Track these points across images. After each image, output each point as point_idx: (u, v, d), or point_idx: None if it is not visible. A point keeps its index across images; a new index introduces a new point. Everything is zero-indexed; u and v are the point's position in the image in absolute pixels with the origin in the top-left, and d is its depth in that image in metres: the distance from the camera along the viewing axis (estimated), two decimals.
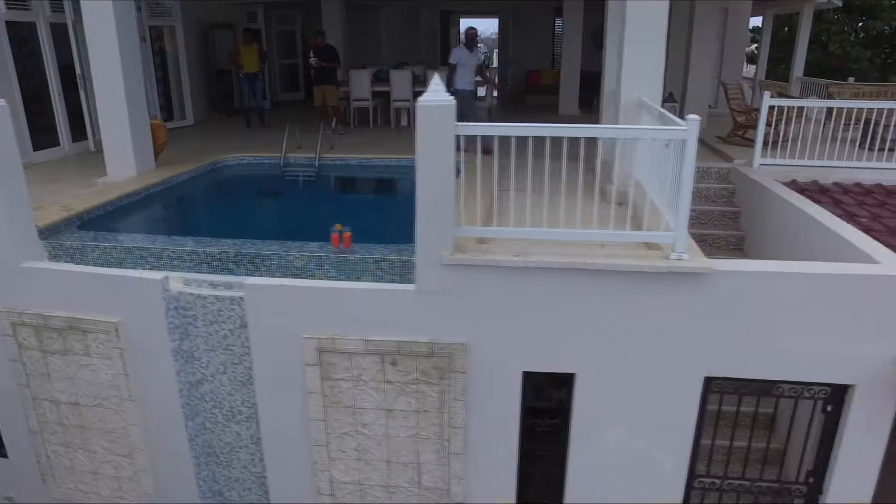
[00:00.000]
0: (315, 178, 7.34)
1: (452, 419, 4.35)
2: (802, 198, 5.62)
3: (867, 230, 5.56)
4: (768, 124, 7.31)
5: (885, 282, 3.80)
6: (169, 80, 10.30)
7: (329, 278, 4.43)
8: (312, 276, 4.46)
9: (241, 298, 4.34)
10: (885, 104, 6.47)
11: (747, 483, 4.56)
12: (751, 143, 6.87)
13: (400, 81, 9.50)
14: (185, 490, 5.02)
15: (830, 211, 5.92)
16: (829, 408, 4.20)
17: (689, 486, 4.49)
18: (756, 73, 12.75)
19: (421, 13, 14.69)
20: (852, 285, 3.82)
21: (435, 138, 3.72)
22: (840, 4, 10.57)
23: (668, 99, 9.62)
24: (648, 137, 3.68)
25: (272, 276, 4.54)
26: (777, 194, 5.77)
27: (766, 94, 6.63)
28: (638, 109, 5.33)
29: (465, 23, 18.77)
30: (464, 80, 7.56)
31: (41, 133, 7.78)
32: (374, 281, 4.39)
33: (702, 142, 8.53)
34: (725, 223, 6.73)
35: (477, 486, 4.54)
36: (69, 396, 4.92)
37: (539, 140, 3.75)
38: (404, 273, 4.21)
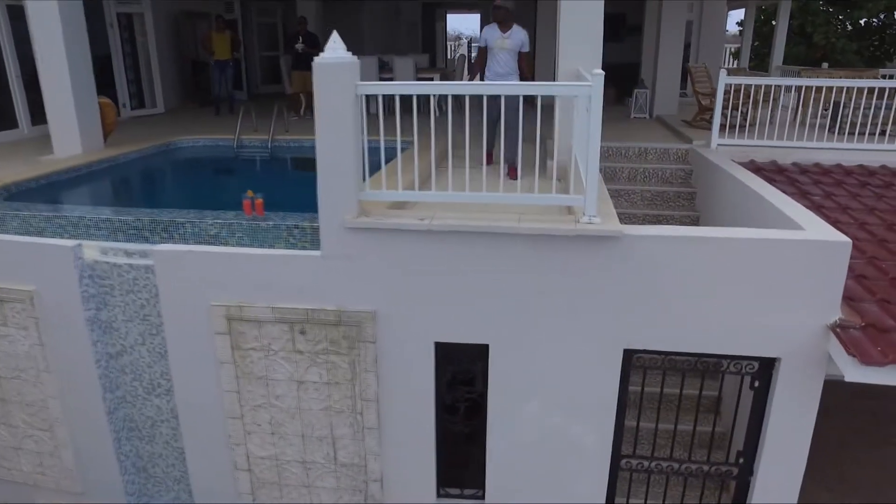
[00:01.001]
0: (268, 159, 7.24)
1: (364, 391, 4.22)
2: (748, 173, 5.45)
3: (818, 207, 5.39)
4: (734, 108, 7.15)
5: (805, 247, 3.62)
6: (139, 68, 10.26)
7: (242, 246, 4.31)
8: (225, 244, 4.35)
9: (153, 267, 4.24)
10: (846, 82, 6.27)
11: (676, 465, 4.38)
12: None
13: (366, 68, 9.39)
14: (107, 465, 4.90)
15: (783, 189, 5.74)
16: (756, 383, 4.03)
17: (614, 467, 4.32)
18: (738, 65, 12.56)
19: (402, 6, 14.61)
20: (772, 251, 3.65)
21: (333, 97, 3.62)
22: None
23: (639, 85, 9.51)
24: (553, 94, 3.53)
25: (185, 244, 4.43)
26: (725, 170, 5.60)
27: (723, 71, 6.46)
28: (576, 80, 5.18)
29: (452, 22, 18.78)
30: (493, 70, 5.55)
31: None
32: (287, 248, 4.27)
33: (666, 125, 8.41)
34: (681, 204, 6.56)
35: (394, 464, 4.39)
36: None
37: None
38: (317, 241, 4.08)
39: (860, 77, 8.65)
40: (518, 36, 5.49)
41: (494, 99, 3.99)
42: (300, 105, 9.70)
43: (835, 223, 5.02)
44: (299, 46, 9.26)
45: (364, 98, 3.72)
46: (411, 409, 4.23)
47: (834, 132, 7.31)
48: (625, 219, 6.42)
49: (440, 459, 4.38)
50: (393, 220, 3.78)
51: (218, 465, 4.65)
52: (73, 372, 4.64)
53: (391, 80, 9.54)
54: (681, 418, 4.48)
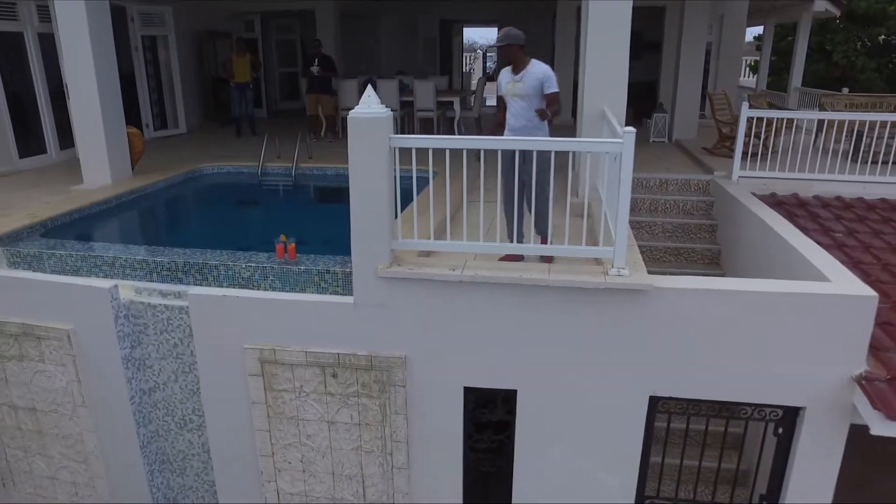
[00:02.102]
0: (291, 188, 7.36)
1: (394, 433, 4.30)
2: (771, 212, 5.48)
3: (840, 246, 5.41)
4: (756, 136, 7.18)
5: (831, 301, 3.66)
6: (162, 89, 10.43)
7: (274, 289, 4.42)
8: (258, 287, 4.45)
9: (187, 308, 4.36)
10: (867, 116, 6.29)
11: None
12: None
13: (386, 91, 9.51)
14: (140, 497, 5.02)
15: (806, 225, 5.77)
16: (780, 430, 4.06)
17: None
18: (757, 83, 12.54)
19: (419, 21, 14.72)
20: (798, 304, 3.69)
21: (367, 151, 3.70)
22: (838, 14, 10.35)
23: (658, 108, 9.54)
24: (584, 151, 3.60)
25: (219, 286, 4.54)
26: (747, 207, 5.63)
27: (745, 104, 6.49)
28: (601, 120, 5.25)
29: (466, 32, 18.75)
30: (509, 125, 4.28)
31: (28, 140, 7.93)
32: (318, 292, 4.37)
33: (685, 152, 8.43)
34: (702, 236, 6.60)
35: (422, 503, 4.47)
36: (26, 402, 4.96)
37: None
38: (348, 285, 4.18)
39: (882, 102, 8.65)
40: (534, 75, 4.11)
41: (514, 161, 3.87)
42: (320, 126, 9.83)
43: (857, 264, 5.06)
44: (314, 69, 9.39)
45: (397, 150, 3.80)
46: (440, 451, 4.31)
47: (857, 161, 7.30)
48: (646, 251, 6.48)
49: (467, 500, 4.45)
50: (425, 270, 3.86)
51: (248, 499, 4.74)
52: (109, 407, 4.76)
53: (411, 102, 9.65)
54: (705, 454, 4.52)
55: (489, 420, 4.30)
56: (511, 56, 4.26)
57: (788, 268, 4.58)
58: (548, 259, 4.03)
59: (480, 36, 30.75)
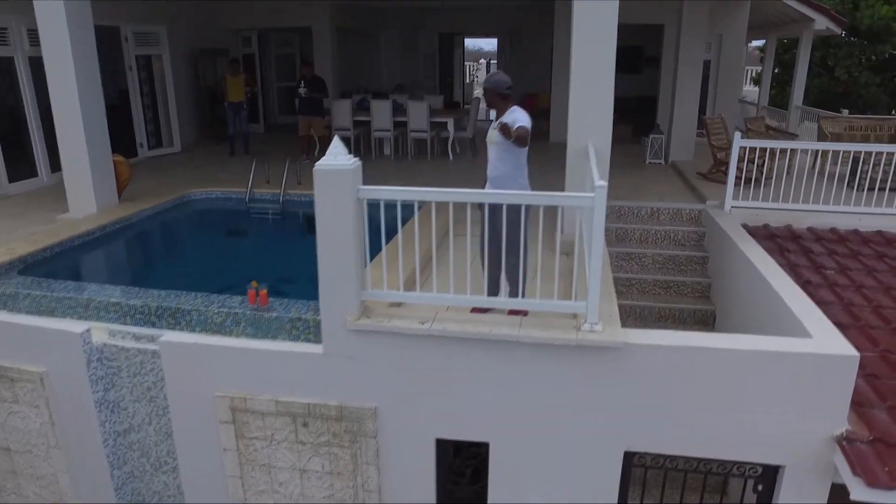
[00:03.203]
0: (279, 215, 7.32)
1: (366, 483, 4.23)
2: (758, 251, 5.35)
3: (831, 285, 5.28)
4: (750, 161, 7.05)
5: (811, 360, 3.55)
6: (157, 108, 10.43)
7: (247, 336, 4.36)
8: (230, 333, 4.39)
9: (160, 352, 4.31)
10: (860, 147, 6.15)
11: None
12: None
13: (380, 111, 9.45)
14: None
15: (797, 261, 5.64)
16: (760, 487, 3.95)
17: None
18: (759, 98, 12.37)
19: (419, 37, 14.66)
20: (776, 362, 3.58)
21: (333, 202, 3.63)
22: (840, 31, 10.18)
23: (655, 129, 9.42)
24: (553, 205, 3.50)
25: (192, 331, 4.48)
26: (736, 245, 5.51)
27: (737, 134, 6.36)
28: (585, 158, 5.14)
29: (472, 39, 18.59)
30: (487, 172, 4.18)
31: (18, 165, 7.93)
32: (291, 340, 4.30)
33: (681, 175, 8.31)
34: (693, 269, 6.47)
35: None
36: (0, 442, 4.93)
37: None
38: (320, 332, 4.10)
39: (881, 125, 8.48)
40: (508, 122, 3.92)
41: (490, 216, 3.77)
42: (314, 147, 9.78)
43: (848, 307, 4.93)
44: (302, 91, 9.33)
45: (366, 202, 3.72)
46: (413, 502, 4.22)
47: (853, 187, 7.14)
48: (636, 284, 6.38)
49: None
50: (394, 322, 3.79)
51: None
52: (83, 449, 4.72)
53: (405, 123, 9.58)
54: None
55: (463, 471, 4.22)
56: (491, 102, 4.17)
57: (773, 315, 4.46)
58: (521, 312, 3.93)
59: (487, 42, 30.54)
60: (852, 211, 6.39)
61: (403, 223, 3.76)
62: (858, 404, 3.79)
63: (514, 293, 3.88)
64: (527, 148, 4.00)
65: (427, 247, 4.55)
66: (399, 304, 4.13)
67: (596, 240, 3.47)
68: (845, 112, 9.18)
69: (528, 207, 3.77)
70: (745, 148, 6.65)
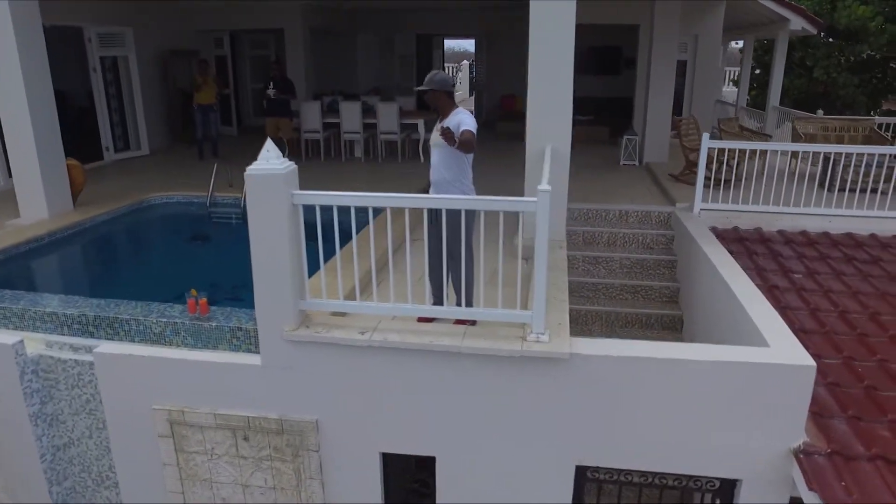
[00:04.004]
0: (240, 220, 7.11)
1: (310, 497, 4.05)
2: (723, 254, 5.22)
3: (799, 290, 5.16)
4: (721, 162, 6.93)
5: (767, 370, 3.40)
6: (124, 110, 10.21)
7: (186, 346, 4.17)
8: (170, 343, 4.20)
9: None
10: (829, 147, 6.05)
11: None
12: (705, 182, 6.46)
13: (350, 113, 9.27)
14: None
15: (765, 265, 5.52)
16: (717, 501, 3.80)
17: None
18: (737, 99, 12.29)
19: (395, 37, 14.50)
20: (731, 372, 3.43)
21: (266, 209, 3.45)
22: (816, 32, 10.11)
23: (628, 131, 9.30)
24: (496, 210, 3.34)
25: (130, 341, 4.29)
26: (701, 249, 5.37)
27: (706, 135, 6.23)
28: (542, 161, 4.98)
29: (456, 41, 18.38)
30: (431, 175, 3.96)
31: None
32: (231, 350, 4.11)
33: (653, 177, 8.18)
34: (661, 273, 6.33)
35: None
36: None
37: None
38: None
39: (855, 125, 8.40)
40: (452, 124, 3.75)
41: (430, 221, 3.62)
42: (282, 150, 9.57)
43: (814, 312, 4.81)
44: (271, 92, 9.15)
45: (301, 207, 3.55)
46: None
47: (825, 187, 7.04)
48: (602, 289, 6.23)
49: None
50: (333, 333, 3.61)
51: None
52: (19, 464, 4.51)
53: (374, 125, 9.41)
54: None
55: (412, 486, 4.04)
56: (435, 102, 3.94)
57: (734, 321, 4.33)
58: (469, 321, 3.76)
59: (470, 44, 30.38)
60: (823, 213, 6.27)
61: (359, 229, 3.59)
62: (818, 414, 3.65)
63: (459, 302, 3.72)
64: (471, 153, 3.84)
65: (379, 254, 4.38)
66: (344, 314, 3.96)
67: (540, 247, 3.32)
68: (820, 112, 9.10)
69: (471, 213, 3.60)
70: (715, 149, 6.53)
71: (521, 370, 3.49)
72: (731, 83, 16.92)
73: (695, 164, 7.64)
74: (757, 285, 5.00)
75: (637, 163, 9.15)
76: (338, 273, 3.64)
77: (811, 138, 8.37)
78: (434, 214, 3.60)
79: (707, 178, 6.61)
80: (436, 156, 3.87)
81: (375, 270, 4.08)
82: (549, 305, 3.90)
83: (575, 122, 12.70)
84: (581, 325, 6.02)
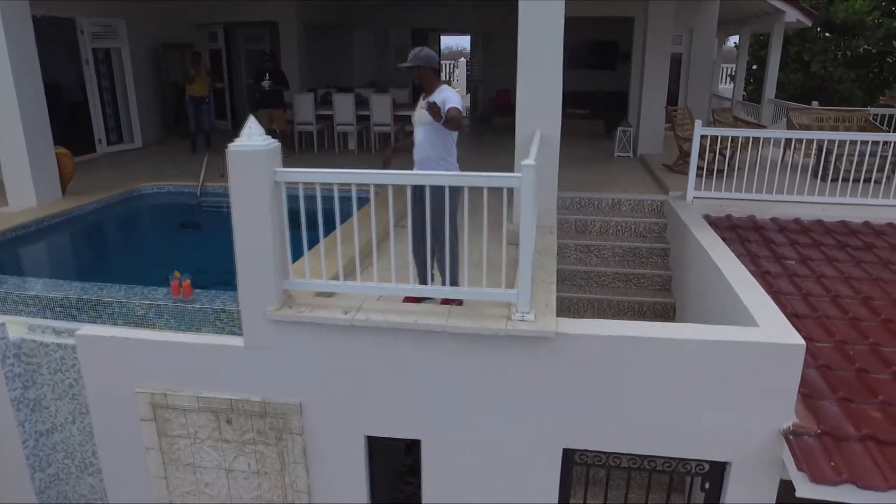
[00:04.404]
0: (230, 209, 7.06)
1: (294, 482, 3.99)
2: (714, 238, 5.17)
3: (791, 275, 5.12)
4: (719, 153, 6.89)
5: (755, 349, 3.36)
6: (117, 103, 10.15)
7: (170, 328, 4.11)
8: (153, 326, 4.15)
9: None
10: (820, 134, 6.01)
11: None
12: (698, 171, 6.42)
13: (342, 105, 9.22)
14: None
15: (758, 252, 5.47)
16: (707, 485, 3.75)
17: None
18: (733, 93, 12.26)
19: (390, 33, 14.45)
20: (719, 352, 3.38)
21: (248, 186, 3.41)
22: (811, 24, 10.07)
23: (623, 123, 9.26)
24: (480, 185, 3.29)
25: (114, 324, 4.24)
26: (693, 234, 5.32)
27: (698, 123, 6.19)
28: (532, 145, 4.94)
29: (454, 39, 18.32)
30: (415, 153, 3.84)
31: None
32: (214, 332, 4.06)
33: (647, 168, 8.14)
34: (654, 261, 6.28)
35: None
36: None
37: None
38: None
39: (850, 117, 8.36)
40: (438, 100, 3.62)
41: (413, 200, 3.51)
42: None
43: (806, 296, 4.76)
44: (266, 84, 9.10)
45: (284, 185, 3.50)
46: (344, 502, 3.99)
47: (819, 177, 6.99)
48: (595, 277, 6.19)
49: None
50: (315, 312, 3.56)
51: None
52: (0, 451, 4.45)
53: (368, 117, 9.36)
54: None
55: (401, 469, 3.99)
56: (420, 79, 3.86)
57: (725, 305, 4.28)
58: (455, 301, 3.71)
59: (468, 41, 30.30)
60: (817, 201, 6.23)
61: (345, 218, 3.54)
62: (809, 396, 3.61)
63: (444, 282, 3.67)
64: (457, 132, 3.79)
65: (365, 241, 4.33)
66: (330, 296, 3.91)
67: (526, 224, 3.27)
68: (815, 104, 9.06)
69: (455, 190, 3.55)
70: (709, 137, 6.49)
71: (507, 350, 3.44)
72: (728, 79, 16.89)
73: (688, 154, 7.59)
74: (749, 271, 4.96)
75: (631, 154, 9.11)
76: (321, 256, 3.59)
77: (806, 129, 8.33)
78: (418, 192, 3.55)
79: (700, 168, 6.57)
80: (420, 133, 3.80)
81: (360, 255, 4.05)
82: (535, 287, 3.86)
83: (570, 116, 12.69)
84: (573, 313, 5.97)
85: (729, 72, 16.37)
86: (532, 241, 3.29)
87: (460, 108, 3.66)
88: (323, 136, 9.92)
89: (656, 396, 3.49)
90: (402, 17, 13.96)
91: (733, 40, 14.02)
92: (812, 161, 7.02)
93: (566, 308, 5.98)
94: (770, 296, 4.71)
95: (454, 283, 3.59)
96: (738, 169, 7.27)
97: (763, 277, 5.01)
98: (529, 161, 3.18)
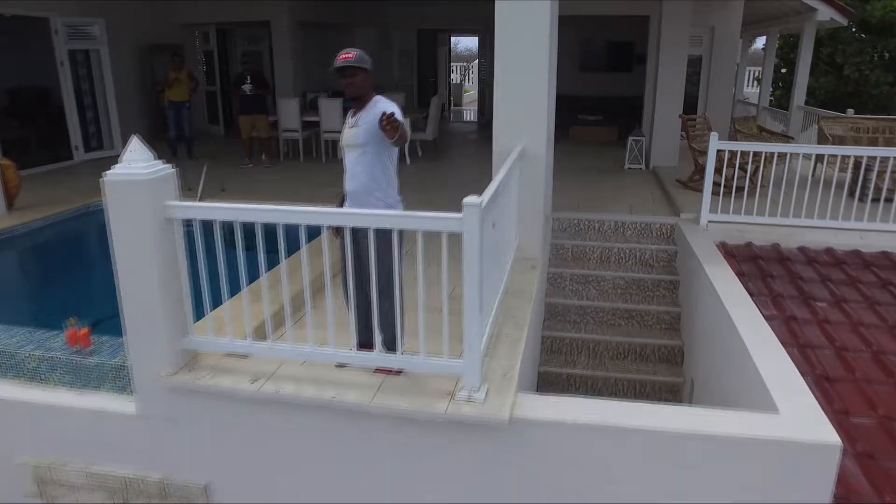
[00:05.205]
0: (190, 227, 6.42)
1: None
2: (728, 276, 4.36)
3: (822, 322, 4.27)
4: (733, 166, 6.05)
5: (773, 449, 2.55)
6: (97, 107, 9.62)
7: (63, 384, 3.44)
8: (46, 382, 3.48)
9: None
10: (858, 150, 5.15)
11: None
12: (715, 189, 5.59)
13: (329, 111, 8.55)
14: None
15: (782, 291, 4.64)
16: None
17: None
18: (759, 98, 11.31)
19: (393, 34, 13.76)
20: (723, 451, 2.59)
21: (130, 223, 2.72)
22: (847, 23, 9.12)
23: (634, 131, 8.42)
24: (412, 228, 2.55)
25: (2, 377, 3.58)
26: (704, 270, 4.51)
27: (714, 135, 5.37)
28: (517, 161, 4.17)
29: (463, 40, 17.49)
30: (347, 185, 3.08)
31: None
32: (115, 391, 3.38)
33: (659, 183, 7.30)
34: (661, 295, 5.46)
35: None
36: None
37: None
38: None
39: (891, 126, 7.42)
40: (374, 113, 2.87)
41: (352, 243, 2.71)
42: (256, 150, 8.90)
43: (841, 352, 3.92)
44: (247, 87, 8.46)
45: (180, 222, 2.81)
46: None
47: (856, 196, 6.07)
48: (592, 313, 5.39)
49: None
50: (217, 380, 2.86)
51: None
52: None
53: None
54: None
55: None
56: (360, 88, 2.97)
57: (738, 367, 3.47)
58: (391, 369, 2.96)
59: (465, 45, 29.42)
60: (853, 227, 5.36)
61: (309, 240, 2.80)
62: (845, 499, 2.80)
63: (388, 343, 2.94)
64: (397, 150, 3.06)
65: (296, 291, 3.62)
66: (246, 356, 3.19)
67: (470, 280, 2.51)
68: (850, 112, 8.11)
69: (402, 232, 2.81)
70: (727, 151, 5.65)
71: (448, 438, 2.69)
72: (754, 82, 15.85)
73: (704, 169, 6.75)
74: (771, 317, 4.16)
75: (643, 166, 8.26)
76: (244, 306, 2.89)
77: (840, 141, 7.42)
78: (355, 234, 2.81)
79: (717, 184, 5.74)
80: (352, 159, 3.02)
81: (291, 307, 3.32)
82: (496, 348, 3.12)
83: (581, 122, 11.81)
84: (565, 355, 5.19)
85: (756, 75, 15.34)
86: (479, 300, 2.54)
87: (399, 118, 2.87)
88: (311, 143, 9.25)
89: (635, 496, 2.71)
90: (405, 17, 13.26)
91: (760, 42, 13.05)
92: (848, 177, 6.13)
93: (557, 349, 5.21)
94: (797, 350, 3.91)
95: (390, 346, 2.86)
96: (762, 186, 6.42)
97: (788, 326, 4.19)
98: (473, 199, 2.43)
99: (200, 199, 6.58)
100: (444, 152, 10.21)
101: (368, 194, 3.00)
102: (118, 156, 2.84)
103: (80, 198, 6.80)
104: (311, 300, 2.94)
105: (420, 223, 2.51)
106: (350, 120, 3.07)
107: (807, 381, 3.07)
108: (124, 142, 9.65)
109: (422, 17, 13.29)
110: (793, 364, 3.18)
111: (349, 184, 3.06)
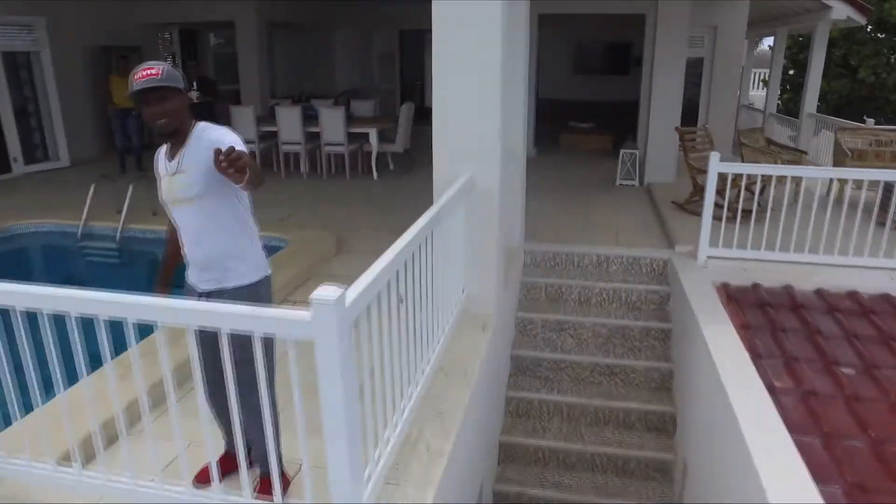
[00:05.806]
0: (115, 257, 5.62)
1: None
2: (726, 332, 3.50)
3: (849, 399, 3.38)
4: (739, 188, 5.18)
5: None
6: (41, 115, 8.81)
7: None
8: None
9: None
10: (881, 174, 4.27)
11: None
12: (717, 211, 4.72)
13: (288, 121, 7.70)
14: None
15: (794, 350, 3.77)
16: None
17: None
18: (766, 103, 10.42)
19: (373, 35, 12.91)
20: None
21: None
22: (864, 23, 8.24)
23: (626, 144, 7.58)
24: (245, 332, 1.70)
25: None
26: (698, 324, 3.64)
27: (714, 156, 4.51)
28: (461, 194, 3.31)
29: None
30: (189, 254, 2.22)
31: None
32: None
33: (653, 204, 6.41)
34: (650, 347, 4.59)
35: None
36: None
37: None
38: None
39: None
40: (203, 148, 2.08)
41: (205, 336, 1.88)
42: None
43: (877, 445, 3.04)
44: (194, 95, 7.63)
45: None
46: None
47: (886, 225, 5.15)
48: (567, 368, 4.51)
49: None
50: None
51: None
52: None
53: (318, 134, 7.81)
54: None
55: None
56: (168, 116, 2.08)
57: (737, 466, 2.61)
58: (264, 486, 2.12)
59: None
60: (882, 265, 4.48)
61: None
62: None
63: (259, 460, 2.09)
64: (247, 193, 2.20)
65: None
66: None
67: (332, 407, 1.66)
68: (870, 122, 7.22)
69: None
70: (728, 174, 4.78)
71: None
72: (761, 84, 14.92)
73: (704, 190, 5.87)
74: (785, 390, 3.31)
75: (637, 182, 7.39)
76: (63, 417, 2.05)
77: (860, 154, 6.54)
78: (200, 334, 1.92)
79: (718, 206, 4.87)
80: (189, 217, 2.15)
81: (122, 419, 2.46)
82: (409, 465, 2.27)
83: (572, 130, 10.90)
84: (533, 420, 4.33)
85: (762, 76, 14.42)
86: (345, 434, 1.68)
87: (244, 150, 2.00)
88: (271, 156, 8.41)
89: None
90: (386, 17, 12.40)
91: (768, 43, 12.16)
92: (877, 202, 5.20)
93: (526, 413, 4.35)
94: (819, 442, 3.04)
95: (264, 470, 2.02)
96: (772, 210, 5.53)
97: (805, 402, 3.31)
98: (327, 293, 1.57)
99: (124, 226, 5.77)
100: (419, 163, 9.35)
101: (224, 261, 2.14)
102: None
103: (15, 215, 6.03)
104: (148, 408, 2.09)
105: (257, 325, 1.65)
106: (168, 165, 2.17)
107: (833, 494, 2.23)
108: (72, 153, 8.73)
109: (404, 18, 12.44)
110: (806, 469, 2.32)
111: (192, 252, 2.18)
